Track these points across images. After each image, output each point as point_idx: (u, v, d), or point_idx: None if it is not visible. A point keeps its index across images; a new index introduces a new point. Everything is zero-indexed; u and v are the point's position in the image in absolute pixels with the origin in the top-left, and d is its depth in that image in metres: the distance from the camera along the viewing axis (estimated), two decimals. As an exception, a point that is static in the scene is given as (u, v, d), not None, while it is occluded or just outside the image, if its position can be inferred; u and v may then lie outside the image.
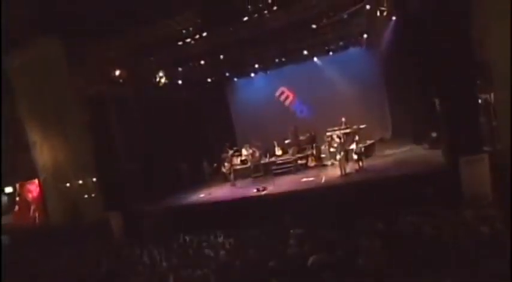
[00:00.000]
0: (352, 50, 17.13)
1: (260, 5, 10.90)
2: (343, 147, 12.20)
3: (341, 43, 16.36)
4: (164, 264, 8.33)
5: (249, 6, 10.87)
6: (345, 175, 11.77)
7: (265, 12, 11.06)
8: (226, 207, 11.67)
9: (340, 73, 17.66)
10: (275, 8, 10.89)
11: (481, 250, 5.41)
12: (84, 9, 11.04)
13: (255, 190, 12.38)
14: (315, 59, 17.74)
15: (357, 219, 7.60)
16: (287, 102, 18.91)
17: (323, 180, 11.82)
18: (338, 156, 11.87)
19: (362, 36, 15.70)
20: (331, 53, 17.15)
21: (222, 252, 7.71)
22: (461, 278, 4.80)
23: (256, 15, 11.06)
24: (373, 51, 16.78)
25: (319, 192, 10.46)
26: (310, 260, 6.11)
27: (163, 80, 15.91)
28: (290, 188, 11.81)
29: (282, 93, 18.86)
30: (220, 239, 8.87)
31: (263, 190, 12.16)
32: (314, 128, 16.40)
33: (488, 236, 6.01)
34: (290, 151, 15.29)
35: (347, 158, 12.26)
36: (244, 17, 11.13)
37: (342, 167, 11.71)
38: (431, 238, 6.31)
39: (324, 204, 9.29)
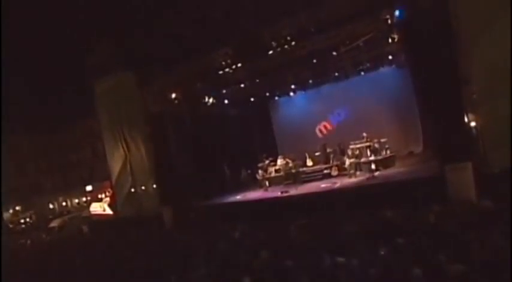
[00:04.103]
0: (383, 69, 18.61)
1: (282, 41, 13.32)
2: (353, 157, 14.02)
3: (368, 64, 18.00)
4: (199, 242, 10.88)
5: (273, 43, 13.37)
6: (353, 179, 13.69)
7: (286, 47, 13.42)
8: (254, 205, 14.04)
9: (372, 91, 18.90)
10: (293, 43, 13.24)
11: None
12: (150, 48, 14.48)
13: (279, 193, 14.62)
14: (348, 78, 19.45)
15: (347, 212, 9.53)
16: (329, 128, 20.59)
17: (336, 186, 13.66)
18: (347, 162, 13.78)
19: (387, 57, 17.30)
20: (362, 73, 18.90)
21: (237, 233, 10.06)
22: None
23: (279, 49, 13.50)
24: (403, 69, 18.09)
25: (327, 194, 12.46)
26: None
27: (211, 100, 18.96)
28: (307, 191, 13.89)
29: (320, 130, 20.61)
30: (241, 228, 11.17)
31: (285, 193, 14.36)
32: (345, 142, 17.94)
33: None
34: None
35: (357, 166, 14.01)
36: (270, 51, 13.64)
37: (351, 171, 13.81)
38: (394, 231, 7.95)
39: (327, 201, 11.28)
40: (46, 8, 25.34)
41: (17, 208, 37.89)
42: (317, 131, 20.64)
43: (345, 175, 15.61)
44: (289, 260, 7.18)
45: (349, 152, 15.01)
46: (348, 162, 14.50)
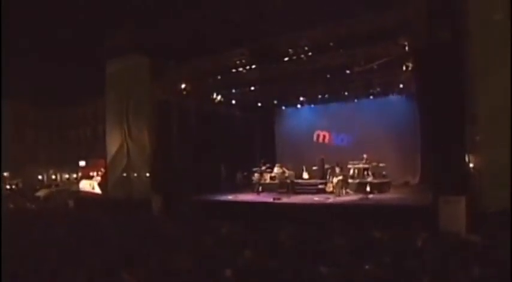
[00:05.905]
0: (392, 97, 18.78)
1: (299, 50, 13.48)
2: (341, 175, 14.61)
3: (378, 89, 18.16)
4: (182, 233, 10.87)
5: (290, 50, 13.53)
6: (346, 197, 14.06)
7: (302, 56, 13.58)
8: (244, 207, 14.09)
9: (378, 116, 19.11)
10: (310, 53, 13.39)
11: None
12: (168, 38, 14.66)
13: (271, 199, 14.66)
14: (356, 100, 19.62)
15: (334, 227, 9.55)
16: (326, 141, 20.86)
17: (328, 201, 13.73)
18: (335, 180, 13.99)
19: (398, 85, 17.49)
20: (371, 97, 19.07)
21: (223, 230, 10.06)
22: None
23: (295, 57, 13.66)
24: (411, 99, 18.24)
25: (318, 207, 12.53)
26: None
27: (219, 98, 19.07)
28: (298, 202, 13.92)
29: (318, 136, 20.92)
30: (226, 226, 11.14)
31: (277, 200, 14.39)
32: (344, 160, 17.97)
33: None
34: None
35: (343, 185, 14.57)
36: (285, 57, 13.79)
37: (338, 189, 14.31)
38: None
39: (317, 214, 11.32)
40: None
41: (5, 174, 37.72)
42: (314, 138, 20.84)
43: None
44: (271, 261, 7.21)
45: (337, 170, 15.05)
46: (335, 180, 14.59)
